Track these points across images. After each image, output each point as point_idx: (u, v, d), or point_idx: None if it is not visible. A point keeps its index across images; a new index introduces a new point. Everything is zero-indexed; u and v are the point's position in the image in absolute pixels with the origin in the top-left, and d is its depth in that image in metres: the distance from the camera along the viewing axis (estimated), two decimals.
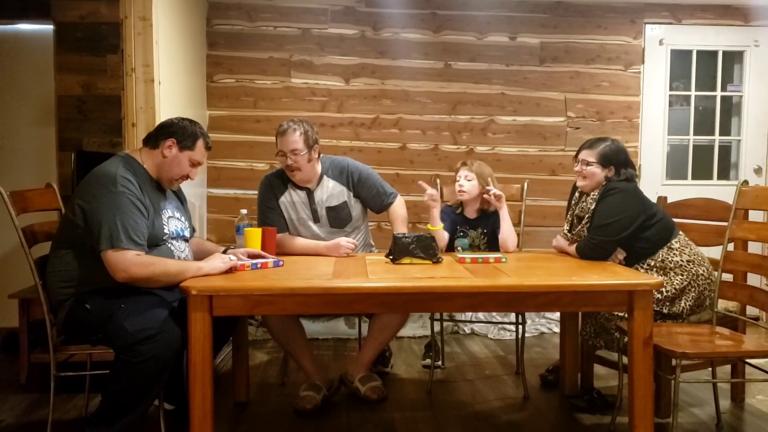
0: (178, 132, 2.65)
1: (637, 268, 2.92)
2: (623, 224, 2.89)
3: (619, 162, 3.04)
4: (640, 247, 2.94)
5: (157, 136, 2.66)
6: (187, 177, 2.72)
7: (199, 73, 4.56)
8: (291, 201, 3.29)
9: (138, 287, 2.48)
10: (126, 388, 2.39)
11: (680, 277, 2.88)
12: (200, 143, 2.69)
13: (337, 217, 3.31)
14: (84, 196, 2.50)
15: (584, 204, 3.08)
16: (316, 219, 3.29)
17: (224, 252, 2.74)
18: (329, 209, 3.29)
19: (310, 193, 3.28)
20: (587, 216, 3.02)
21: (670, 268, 2.90)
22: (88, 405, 2.89)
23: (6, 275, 4.40)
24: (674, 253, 2.92)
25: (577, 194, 3.20)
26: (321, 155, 3.32)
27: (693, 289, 2.89)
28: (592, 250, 2.92)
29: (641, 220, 2.92)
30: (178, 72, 3.95)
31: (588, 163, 3.05)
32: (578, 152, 3.13)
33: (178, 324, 2.41)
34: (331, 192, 3.30)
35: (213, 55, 4.74)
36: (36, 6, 4.37)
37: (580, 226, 3.05)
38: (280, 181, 3.31)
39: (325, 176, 3.31)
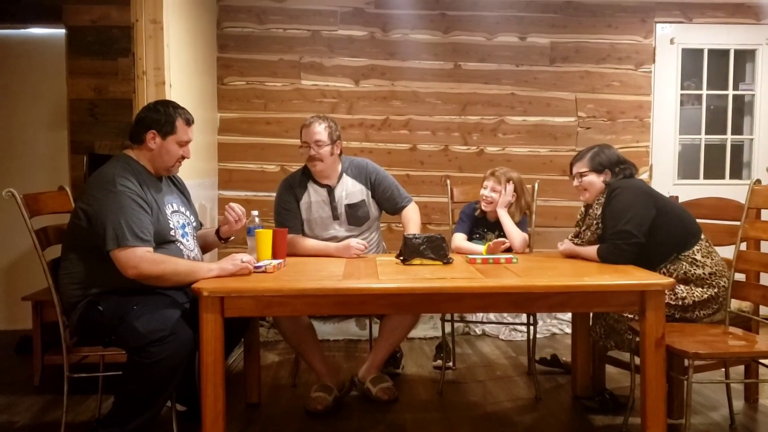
0: (154, 121, 2.64)
1: None
2: (637, 222, 2.80)
3: (611, 163, 3.00)
4: (655, 252, 2.84)
5: (138, 132, 2.66)
6: (182, 158, 2.72)
7: (209, 76, 4.58)
8: (310, 201, 3.34)
9: (150, 288, 2.49)
10: (138, 389, 2.40)
11: (700, 289, 2.82)
12: (179, 123, 2.67)
13: (355, 215, 3.36)
14: (86, 199, 2.52)
15: (592, 211, 3.02)
16: (335, 216, 3.34)
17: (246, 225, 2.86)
18: (348, 206, 3.35)
19: (330, 191, 3.34)
20: (595, 221, 2.97)
21: (692, 281, 2.83)
22: (101, 406, 2.90)
23: (19, 277, 4.45)
24: (697, 266, 2.83)
25: (583, 208, 3.15)
26: (342, 155, 3.41)
27: (713, 301, 2.83)
28: (613, 254, 2.81)
29: (654, 214, 2.84)
30: (189, 75, 3.97)
31: (582, 174, 3.03)
32: (570, 169, 3.11)
33: (190, 325, 2.42)
34: (350, 190, 3.37)
35: (223, 58, 4.76)
36: (48, 10, 4.41)
37: (590, 233, 2.99)
38: (300, 181, 3.37)
39: (345, 175, 3.38)
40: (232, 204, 2.89)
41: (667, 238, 2.86)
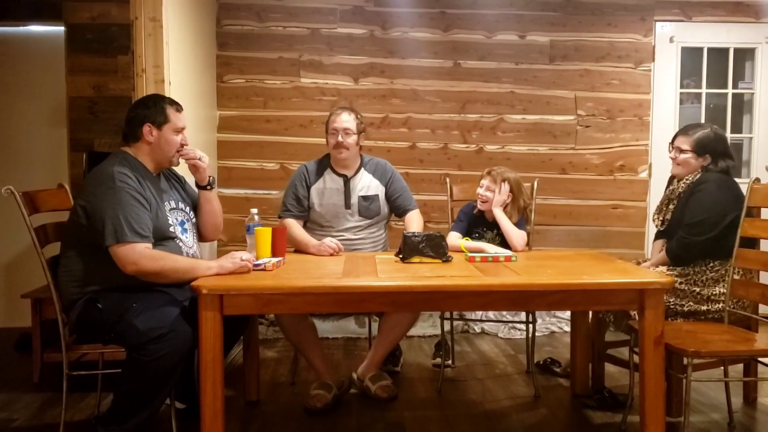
0: (147, 115, 2.65)
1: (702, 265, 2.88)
2: (713, 221, 2.79)
3: (717, 151, 2.90)
4: (714, 244, 2.82)
5: (133, 130, 2.66)
6: (182, 146, 2.73)
7: (209, 74, 4.58)
8: (324, 187, 3.45)
9: (149, 285, 2.49)
10: (138, 387, 2.40)
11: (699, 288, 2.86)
12: (170, 111, 2.68)
13: (368, 208, 3.46)
14: (84, 195, 2.52)
15: (673, 186, 2.98)
16: (347, 206, 3.44)
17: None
18: (362, 198, 3.45)
19: (346, 181, 3.45)
20: (675, 199, 2.94)
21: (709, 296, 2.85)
22: (101, 404, 2.90)
23: (19, 275, 4.45)
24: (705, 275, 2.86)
25: (666, 191, 3.11)
26: (361, 152, 3.55)
27: (703, 313, 2.88)
28: (682, 248, 2.82)
29: (732, 216, 2.79)
30: (189, 73, 3.97)
31: (682, 151, 2.93)
32: (674, 138, 3.01)
33: (189, 323, 2.42)
34: (367, 184, 3.48)
35: (223, 56, 4.75)
36: (47, 7, 4.40)
37: (668, 214, 2.95)
38: (317, 168, 3.49)
39: (363, 169, 3.50)
40: (183, 151, 2.74)
41: (732, 239, 2.82)
